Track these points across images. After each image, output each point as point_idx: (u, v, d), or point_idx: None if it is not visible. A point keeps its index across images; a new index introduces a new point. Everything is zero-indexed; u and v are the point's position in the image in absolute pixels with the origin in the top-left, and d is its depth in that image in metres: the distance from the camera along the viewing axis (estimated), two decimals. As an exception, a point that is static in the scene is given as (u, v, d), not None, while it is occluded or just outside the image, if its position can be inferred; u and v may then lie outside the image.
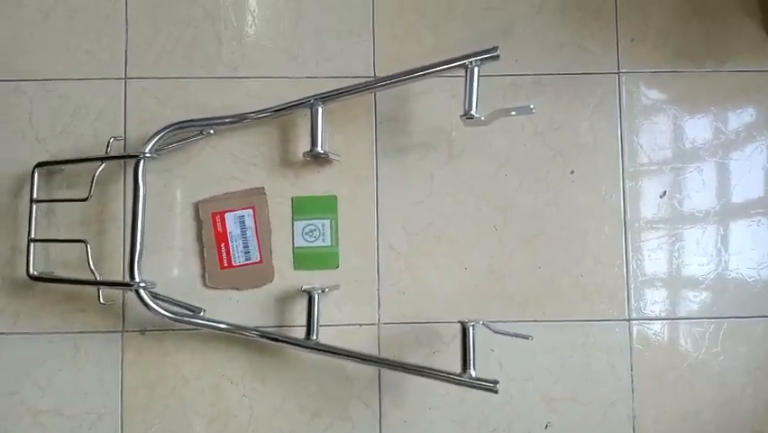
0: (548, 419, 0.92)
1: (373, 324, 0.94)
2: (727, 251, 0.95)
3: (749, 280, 0.95)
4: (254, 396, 0.92)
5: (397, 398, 0.93)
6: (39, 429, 0.91)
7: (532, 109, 0.84)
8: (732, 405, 0.93)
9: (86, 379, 0.92)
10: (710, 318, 0.94)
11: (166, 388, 0.92)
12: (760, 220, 0.95)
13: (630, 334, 0.94)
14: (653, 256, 0.94)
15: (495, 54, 0.82)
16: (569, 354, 0.93)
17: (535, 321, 0.93)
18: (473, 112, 0.82)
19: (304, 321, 0.91)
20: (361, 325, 0.93)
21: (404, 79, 0.86)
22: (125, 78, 0.95)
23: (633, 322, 0.94)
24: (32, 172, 0.90)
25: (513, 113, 0.86)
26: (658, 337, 0.94)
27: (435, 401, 0.92)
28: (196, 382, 0.93)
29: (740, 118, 0.97)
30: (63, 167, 0.92)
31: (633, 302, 0.94)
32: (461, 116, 0.83)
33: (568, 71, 0.96)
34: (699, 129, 0.96)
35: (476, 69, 0.83)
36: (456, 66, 0.84)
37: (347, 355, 0.86)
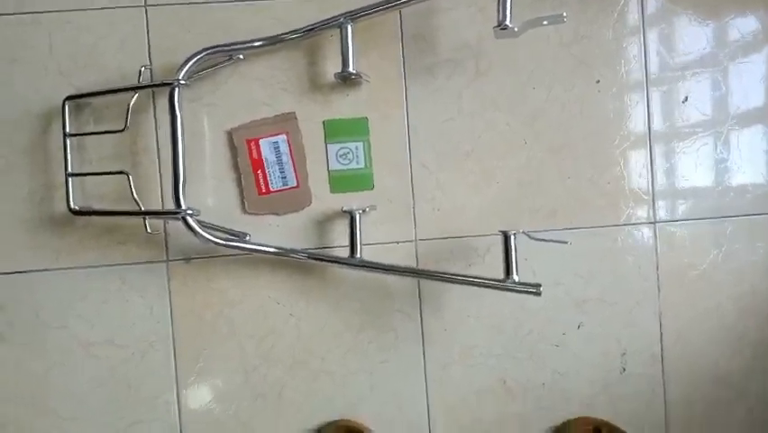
0: (580, 319, 0.97)
1: (410, 241, 0.96)
2: (744, 154, 0.99)
3: (765, 179, 0.99)
4: (300, 315, 0.96)
5: (437, 308, 0.97)
6: (93, 360, 0.94)
7: (564, 17, 0.84)
8: (751, 297, 0.99)
9: (134, 309, 0.95)
10: (730, 217, 0.99)
11: (213, 313, 0.95)
12: (776, 121, 0.99)
13: (655, 236, 0.98)
14: (676, 160, 0.98)
15: (527, -37, 0.82)
16: (597, 258, 0.97)
17: (565, 229, 0.97)
18: (507, 22, 0.83)
19: (343, 242, 0.94)
20: (398, 242, 0.96)
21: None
22: (146, 5, 0.93)
23: (658, 224, 0.98)
24: (63, 106, 0.88)
25: (545, 22, 0.86)
26: (681, 238, 0.98)
27: (473, 310, 0.97)
28: (243, 306, 0.95)
29: (756, 23, 0.99)
30: (91, 100, 0.91)
31: (657, 205, 0.98)
32: (494, 27, 0.84)
33: (592, -19, 0.97)
34: (718, 33, 0.98)
35: (509, -21, 0.83)
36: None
37: (393, 270, 0.89)
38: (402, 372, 0.97)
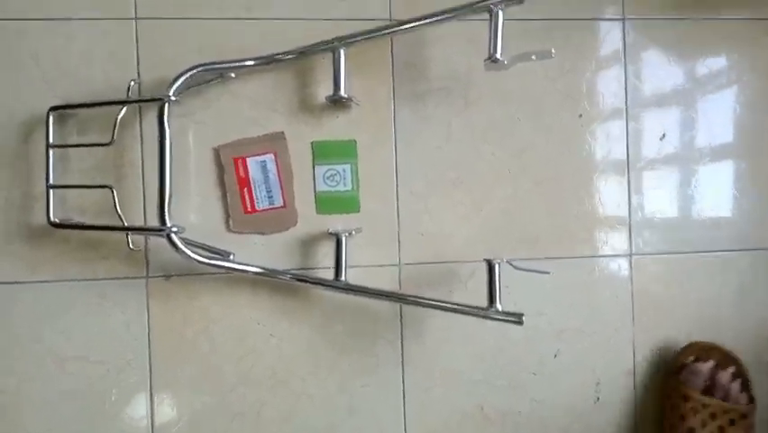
0: (557, 348, 0.99)
1: (395, 264, 0.97)
2: (716, 190, 1.02)
3: (739, 216, 1.03)
4: (282, 336, 0.95)
5: (418, 333, 0.97)
6: (67, 376, 0.92)
7: (552, 53, 0.86)
8: (717, 327, 1.02)
9: (112, 325, 0.93)
10: (703, 252, 1.02)
11: (193, 331, 0.94)
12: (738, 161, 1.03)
13: (631, 267, 1.01)
14: (654, 195, 1.01)
15: (520, -1, 0.84)
16: (577, 288, 0.99)
17: (547, 258, 0.99)
18: (498, 56, 0.85)
19: (327, 263, 0.94)
20: (382, 266, 0.97)
21: (429, 22, 0.87)
22: (136, 17, 0.92)
23: (634, 256, 1.01)
24: (47, 116, 0.87)
25: (533, 57, 0.88)
26: (657, 270, 1.01)
27: (454, 337, 0.98)
28: (223, 325, 0.94)
29: (721, 62, 1.03)
30: (76, 111, 0.90)
31: (634, 238, 1.01)
32: (485, 60, 0.85)
33: (576, 17, 0.99)
34: (695, 73, 1.02)
35: (500, 13, 0.84)
36: (479, 8, 0.85)
37: (377, 295, 0.89)
38: (382, 395, 0.97)
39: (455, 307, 0.87)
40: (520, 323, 0.85)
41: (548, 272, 0.87)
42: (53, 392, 0.91)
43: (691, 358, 0.98)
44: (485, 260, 0.87)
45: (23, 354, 0.91)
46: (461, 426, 0.98)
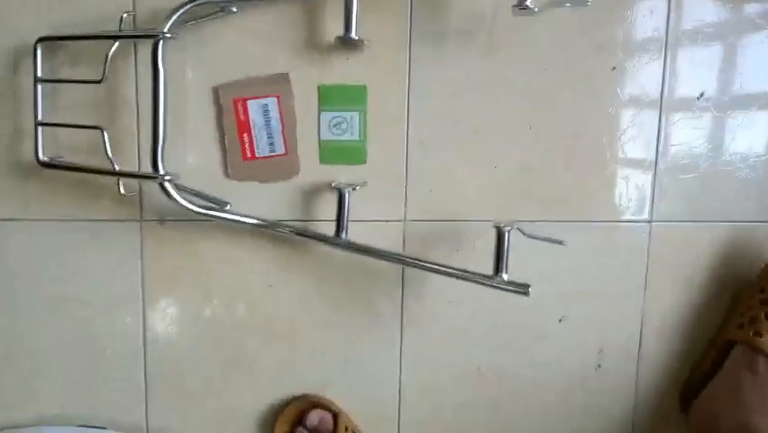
0: (562, 313, 0.96)
1: (399, 220, 0.92)
2: (751, 161, 0.95)
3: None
4: (279, 286, 0.92)
5: (419, 292, 0.94)
6: (61, 315, 0.91)
7: (588, 2, 0.78)
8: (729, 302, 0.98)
9: (105, 267, 0.90)
10: (727, 222, 0.96)
11: (187, 277, 0.91)
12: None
13: (650, 235, 0.95)
14: (684, 160, 0.94)
15: (558, -61, 0.74)
16: (590, 253, 0.94)
17: (562, 221, 0.93)
18: (528, 2, 0.76)
19: (330, 215, 0.89)
20: (387, 221, 0.92)
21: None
22: (131, -63, 0.83)
23: (654, 224, 0.95)
24: (35, 47, 0.80)
25: (568, 4, 0.79)
26: (675, 239, 0.96)
27: (455, 296, 0.94)
28: (219, 272, 0.91)
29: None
30: (68, 43, 0.83)
31: (656, 204, 0.94)
32: (513, 6, 0.77)
33: (622, -42, 0.88)
34: (743, 26, 0.92)
35: (534, -46, 0.75)
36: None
37: (378, 254, 0.85)
38: (378, 352, 0.95)
39: (458, 273, 0.83)
40: (526, 294, 0.81)
41: (562, 242, 0.82)
42: (47, 331, 0.91)
43: None
44: (494, 225, 0.83)
45: (15, 294, 0.90)
46: (457, 384, 0.97)
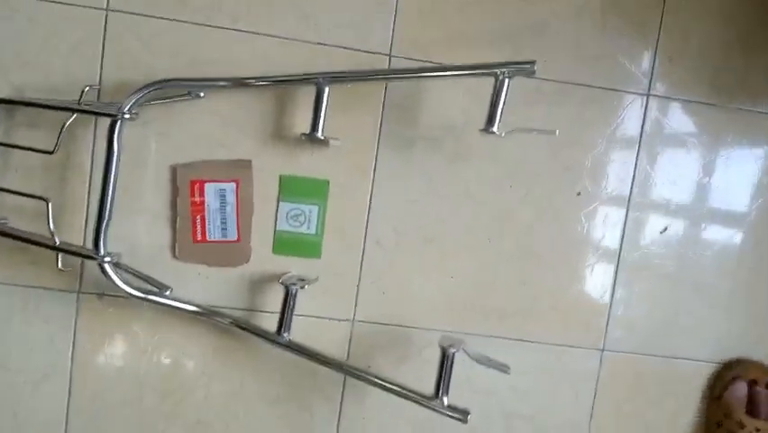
0: (505, 435, 0.93)
1: (347, 320, 0.90)
2: (707, 300, 0.94)
3: (724, 330, 0.95)
4: (213, 375, 0.89)
5: (360, 397, 0.91)
6: (-21, 381, 0.86)
7: (556, 133, 0.78)
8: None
9: (35, 336, 0.86)
10: (680, 358, 0.94)
11: (119, 356, 0.87)
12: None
13: (600, 363, 0.93)
14: (640, 292, 0.93)
15: (531, 69, 0.73)
16: (537, 375, 0.92)
17: (511, 339, 0.91)
18: (495, 129, 0.75)
19: (275, 307, 0.86)
20: (333, 319, 0.89)
21: (425, 76, 0.78)
22: (107, 8, 0.82)
23: (605, 352, 0.93)
24: (-10, 109, 0.79)
25: (534, 133, 0.79)
26: (624, 371, 0.94)
27: (395, 402, 0.89)
28: (152, 355, 0.88)
29: (746, 157, 0.93)
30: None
31: (609, 334, 0.93)
32: (480, 129, 0.76)
33: (596, 84, 0.89)
34: (716, 169, 0.92)
35: (506, 81, 0.75)
36: (484, 73, 0.76)
37: (319, 360, 0.82)
38: (310, 455, 0.91)
39: (398, 390, 0.80)
40: (464, 422, 0.78)
41: (507, 371, 0.79)
42: (-37, 397, 0.86)
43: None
44: (439, 345, 0.80)
45: (-63, 351, 0.86)
46: (389, 502, 0.93)
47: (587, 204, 0.91)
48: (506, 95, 0.75)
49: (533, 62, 0.74)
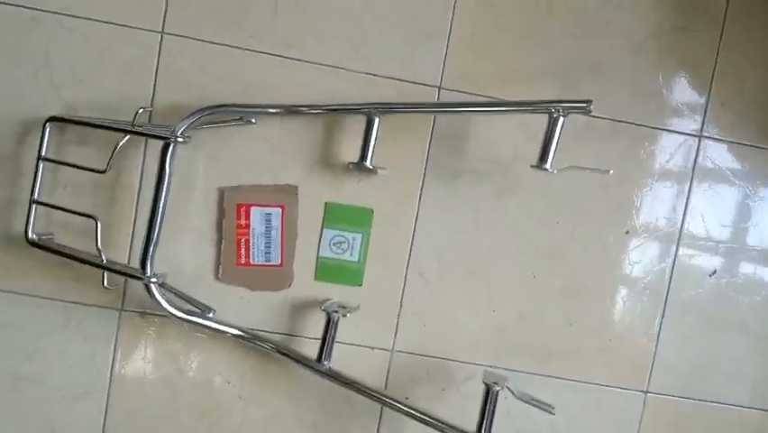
0: (543, 475, 0.91)
1: (387, 349, 0.89)
2: (759, 348, 0.91)
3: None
4: (250, 399, 0.88)
5: (396, 427, 0.89)
6: (17, 394, 0.86)
7: (610, 173, 0.77)
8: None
9: (76, 352, 0.86)
10: (724, 404, 0.92)
11: (159, 375, 0.87)
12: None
13: (644, 405, 0.91)
14: (686, 334, 0.90)
15: (587, 109, 0.72)
16: (580, 415, 0.90)
17: (554, 377, 0.89)
18: (548, 166, 0.74)
19: (315, 333, 0.85)
20: (373, 348, 0.88)
21: (480, 111, 0.78)
22: (162, 31, 0.83)
23: (649, 395, 0.91)
24: (44, 126, 0.79)
25: (588, 171, 0.78)
26: (668, 414, 0.91)
27: (434, 437, 0.90)
28: (191, 375, 0.87)
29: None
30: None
31: (654, 375, 0.90)
32: (532, 166, 0.75)
33: (648, 123, 0.88)
34: (765, 212, 0.90)
35: (561, 120, 0.74)
36: (538, 110, 0.75)
37: (358, 389, 0.81)
38: (343, 486, 0.90)
39: (438, 424, 0.79)
40: (505, 463, 0.76)
41: (552, 412, 0.77)
42: (4, 411, 0.86)
43: None
44: (484, 382, 0.78)
45: (-23, 364, 0.86)
46: None
47: (635, 243, 0.89)
48: (560, 132, 0.74)
49: (589, 102, 0.73)
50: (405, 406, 0.80)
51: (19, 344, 0.86)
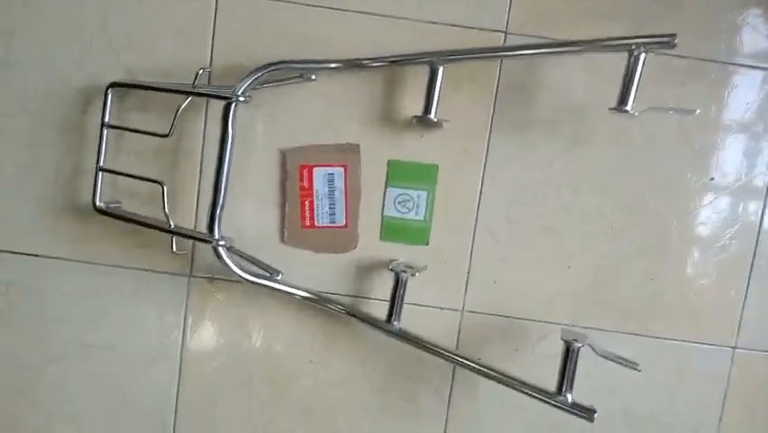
0: (625, 435, 0.87)
1: (456, 310, 0.86)
2: None
3: None
4: (320, 362, 0.87)
5: (470, 389, 0.87)
6: (87, 362, 0.87)
7: (695, 112, 0.71)
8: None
9: (145, 319, 0.87)
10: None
11: (228, 341, 0.87)
12: None
13: (732, 362, 0.86)
14: (778, 287, 0.85)
15: (671, 42, 0.67)
16: (661, 372, 0.86)
17: (634, 334, 0.85)
18: (629, 107, 0.69)
19: (383, 294, 0.84)
20: (443, 309, 0.86)
21: (553, 52, 0.73)
22: (217, -10, 0.81)
23: (737, 351, 0.86)
24: (106, 92, 0.79)
25: (671, 112, 0.73)
26: (758, 370, 0.86)
27: (509, 399, 0.86)
28: (260, 340, 0.87)
29: None
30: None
31: (742, 331, 0.85)
32: (610, 108, 0.70)
33: (733, 61, 0.81)
34: None
35: (642, 56, 0.68)
36: (618, 47, 0.70)
37: (429, 348, 0.79)
38: (417, 448, 0.89)
39: (515, 383, 0.76)
40: (590, 420, 0.73)
41: (637, 369, 0.73)
42: (77, 377, 0.87)
43: None
44: (563, 339, 0.75)
45: (51, 333, 0.87)
46: (501, 500, 0.89)
47: (720, 191, 0.83)
48: (641, 71, 0.69)
49: (673, 35, 0.67)
50: (479, 365, 0.78)
51: (88, 312, 0.87)
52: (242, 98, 0.73)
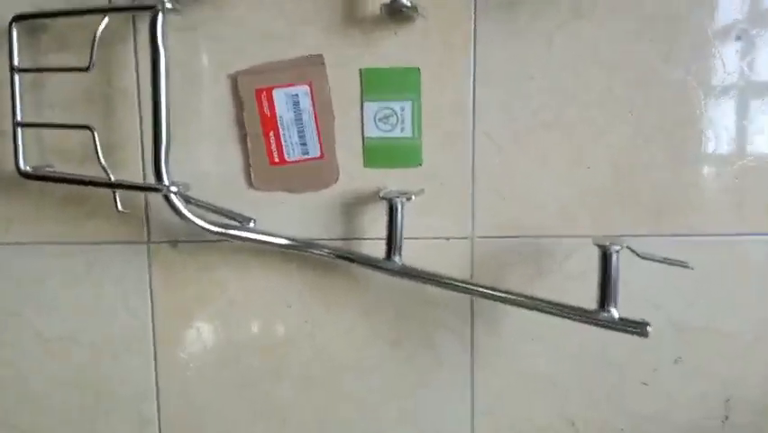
0: (678, 353, 0.75)
1: (465, 237, 0.73)
2: None
3: None
4: (317, 321, 0.75)
5: (493, 325, 0.75)
6: (53, 359, 0.75)
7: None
8: None
9: (106, 300, 0.75)
10: None
11: (207, 312, 0.75)
12: None
13: (789, 251, 0.74)
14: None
15: None
16: (710, 275, 0.74)
17: (672, 235, 0.73)
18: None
19: (378, 233, 0.71)
20: (449, 239, 0.73)
21: None
22: None
23: (794, 236, 0.74)
24: (9, 28, 0.65)
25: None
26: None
27: (538, 331, 0.75)
28: (245, 305, 0.75)
29: None
30: (50, 21, 0.67)
31: (797, 213, 0.73)
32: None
33: None
34: None
35: None
36: None
37: (440, 282, 0.66)
38: (442, 402, 0.77)
39: (547, 306, 0.64)
40: (644, 335, 0.61)
41: (688, 265, 0.62)
42: (37, 379, 0.75)
43: None
44: (596, 243, 0.63)
45: (4, 331, 0.75)
46: (543, 442, 0.77)
47: (749, 51, 0.70)
48: None
49: None
50: (502, 292, 0.66)
51: (41, 300, 0.74)
52: (169, 4, 0.59)
